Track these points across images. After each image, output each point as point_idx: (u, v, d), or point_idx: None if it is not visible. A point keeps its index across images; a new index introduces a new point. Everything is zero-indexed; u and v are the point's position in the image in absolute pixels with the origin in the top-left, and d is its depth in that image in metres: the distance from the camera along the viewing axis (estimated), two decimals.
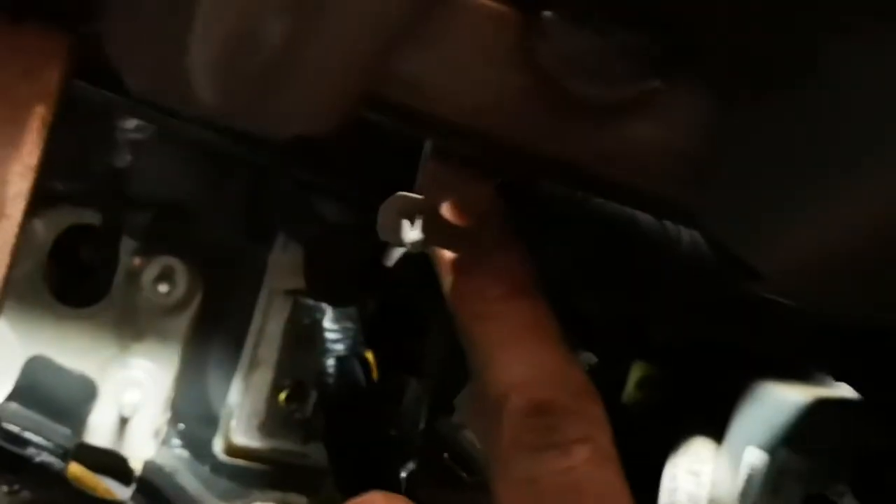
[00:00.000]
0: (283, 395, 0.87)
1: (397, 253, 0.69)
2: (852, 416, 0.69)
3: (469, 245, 0.37)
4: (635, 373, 0.85)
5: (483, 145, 0.32)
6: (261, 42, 0.24)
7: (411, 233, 0.38)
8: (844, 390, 0.70)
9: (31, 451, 0.80)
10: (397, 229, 0.39)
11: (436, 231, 0.37)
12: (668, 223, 0.43)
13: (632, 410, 0.84)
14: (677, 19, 0.29)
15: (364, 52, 0.27)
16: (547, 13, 0.29)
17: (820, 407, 0.70)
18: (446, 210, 0.37)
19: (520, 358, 0.36)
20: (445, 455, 0.58)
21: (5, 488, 0.81)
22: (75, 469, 0.82)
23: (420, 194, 0.37)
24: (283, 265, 0.83)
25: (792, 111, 0.28)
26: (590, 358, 0.48)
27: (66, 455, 0.81)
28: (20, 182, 0.32)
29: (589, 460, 0.35)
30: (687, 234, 0.43)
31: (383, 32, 0.27)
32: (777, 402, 0.72)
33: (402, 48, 0.29)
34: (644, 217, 0.43)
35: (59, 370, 0.84)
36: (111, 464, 0.84)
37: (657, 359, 0.84)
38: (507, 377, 0.36)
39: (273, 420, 0.87)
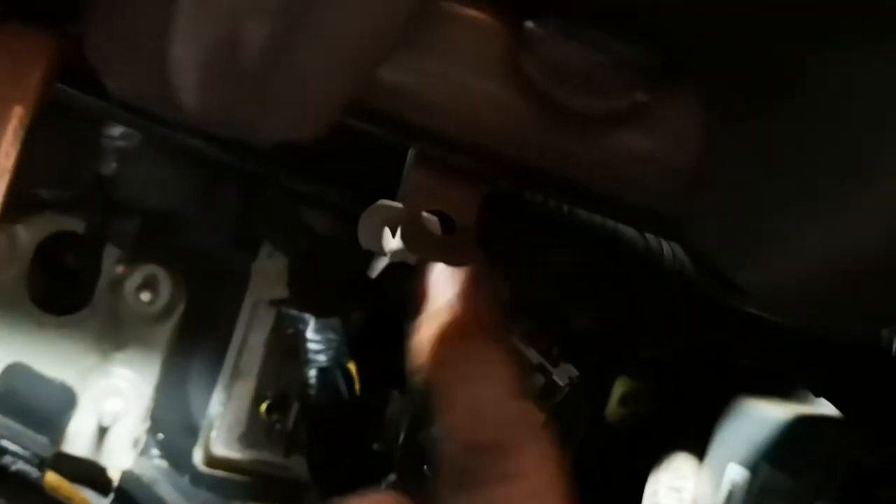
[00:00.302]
0: (264, 406, 0.86)
1: (381, 264, 0.68)
2: (835, 433, 0.69)
3: (451, 255, 0.36)
4: (618, 389, 0.84)
5: (469, 154, 0.32)
6: (244, 48, 0.24)
7: (392, 242, 0.38)
8: (826, 407, 0.70)
9: (7, 459, 0.79)
10: (378, 238, 0.39)
11: (417, 240, 0.36)
12: (651, 238, 0.43)
13: (615, 426, 0.84)
14: (669, 31, 0.29)
15: (350, 62, 0.27)
16: (532, 24, 0.29)
17: (802, 424, 0.70)
18: (428, 219, 0.37)
19: (461, 403, 0.37)
20: (426, 468, 0.58)
21: None
22: (52, 478, 0.81)
23: (404, 202, 0.36)
24: (268, 274, 0.83)
25: (782, 126, 0.28)
26: (570, 371, 0.47)
27: (43, 464, 0.81)
28: None
29: (512, 497, 0.35)
30: (669, 249, 0.43)
31: (371, 42, 0.27)
32: (759, 418, 0.72)
33: (389, 58, 0.29)
34: (628, 231, 0.43)
35: (38, 378, 0.83)
36: (89, 473, 0.83)
37: (641, 374, 0.84)
38: (447, 422, 0.37)
39: (254, 431, 0.86)
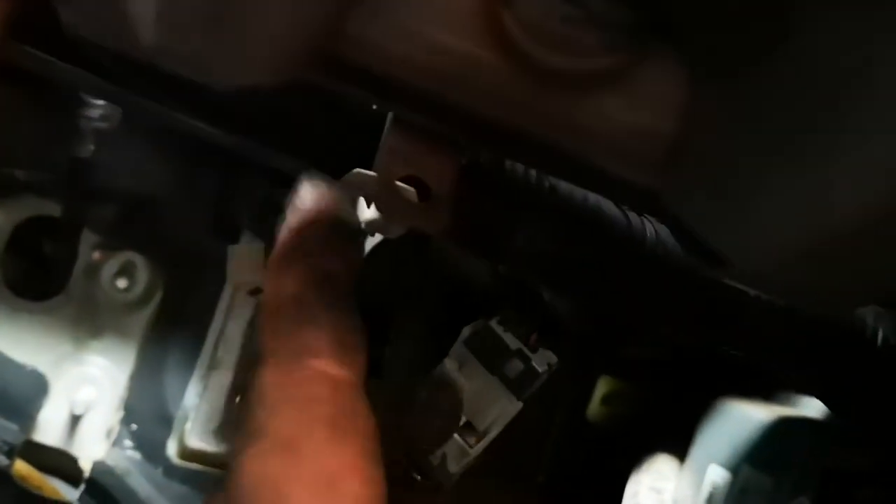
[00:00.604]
0: (241, 398, 0.85)
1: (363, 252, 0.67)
2: (815, 434, 0.68)
3: (427, 222, 0.36)
4: (602, 388, 0.84)
5: (445, 114, 0.31)
6: None
7: (367, 212, 0.37)
8: (807, 409, 0.70)
9: None
10: (353, 208, 0.38)
11: (393, 209, 0.36)
12: (633, 217, 0.42)
13: (597, 425, 0.84)
14: None
15: (309, 3, 0.26)
16: None
17: (783, 425, 0.70)
18: (403, 188, 0.36)
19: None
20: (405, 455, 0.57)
21: None
22: (21, 467, 0.79)
23: (379, 170, 0.36)
24: (244, 260, 0.82)
25: (766, 87, 0.28)
26: (549, 357, 0.47)
27: (12, 452, 0.79)
28: None
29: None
30: (653, 229, 0.42)
31: None
32: (740, 420, 0.72)
33: (361, 8, 0.28)
34: (611, 209, 0.43)
35: (9, 364, 0.81)
36: (59, 463, 0.81)
37: (624, 374, 0.83)
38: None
39: (230, 424, 0.85)
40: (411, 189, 0.36)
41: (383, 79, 0.30)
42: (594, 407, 0.85)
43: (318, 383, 0.35)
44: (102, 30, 0.25)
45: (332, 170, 0.54)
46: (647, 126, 0.31)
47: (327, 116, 0.45)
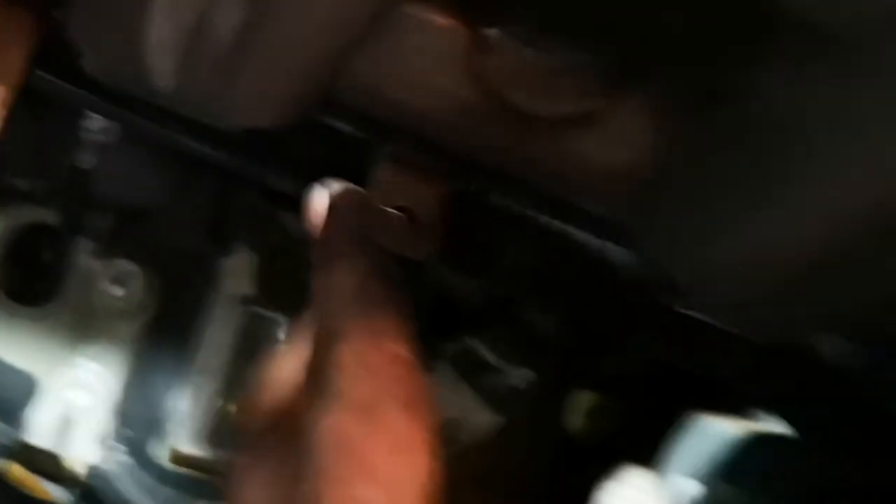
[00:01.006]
0: (232, 405, 0.86)
1: None
2: (790, 450, 0.70)
3: (414, 249, 0.38)
4: (586, 402, 0.85)
5: (431, 152, 0.33)
6: (214, 31, 0.25)
7: None
8: (784, 426, 0.72)
9: None
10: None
11: (383, 234, 0.38)
12: (609, 245, 0.45)
13: (579, 440, 0.85)
14: (623, 39, 0.30)
15: (311, 54, 0.28)
16: (492, 30, 0.30)
17: (758, 441, 0.71)
18: (393, 215, 0.38)
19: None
20: None
21: None
22: (14, 469, 0.80)
23: (371, 198, 0.38)
24: (238, 271, 0.83)
25: (729, 130, 0.30)
26: (529, 375, 0.49)
27: (5, 454, 0.80)
28: None
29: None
30: (628, 256, 0.45)
31: (332, 37, 0.28)
32: (714, 434, 0.73)
33: (356, 56, 0.31)
34: (589, 237, 0.45)
35: (3, 367, 0.82)
36: (52, 466, 0.82)
37: (608, 389, 0.84)
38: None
39: (221, 430, 0.86)
40: (402, 216, 0.38)
41: (375, 119, 0.32)
42: (576, 421, 0.86)
43: (394, 363, 0.36)
44: (123, 75, 0.27)
45: None
46: (620, 163, 0.33)
47: (322, 142, 0.48)
